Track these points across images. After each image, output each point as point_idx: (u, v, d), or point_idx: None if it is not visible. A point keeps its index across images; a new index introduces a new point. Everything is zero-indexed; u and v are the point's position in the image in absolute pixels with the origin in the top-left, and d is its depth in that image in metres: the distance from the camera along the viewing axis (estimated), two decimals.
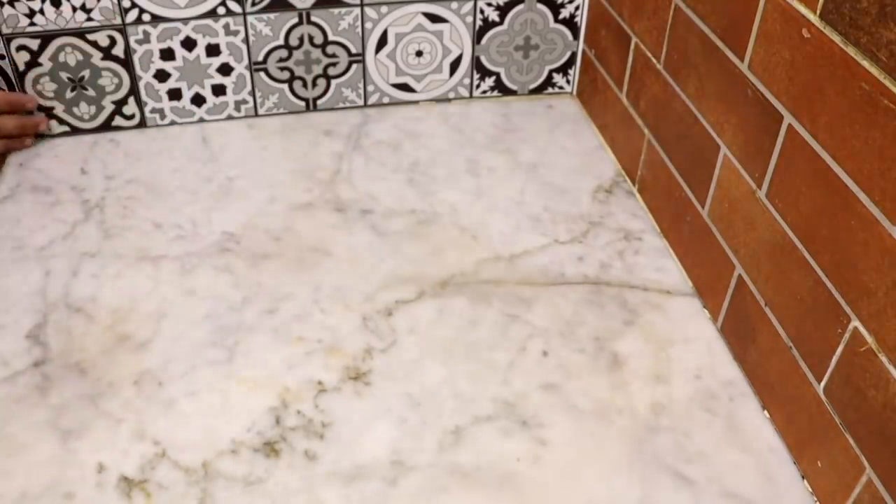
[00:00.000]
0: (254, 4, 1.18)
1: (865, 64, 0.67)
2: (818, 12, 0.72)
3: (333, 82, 1.27)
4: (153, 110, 1.25)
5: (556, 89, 1.36)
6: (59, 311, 0.96)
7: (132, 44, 1.18)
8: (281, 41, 1.22)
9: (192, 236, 1.06)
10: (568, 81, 1.35)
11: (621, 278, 1.02)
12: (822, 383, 0.76)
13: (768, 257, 0.84)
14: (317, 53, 1.24)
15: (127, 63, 1.20)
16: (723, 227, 0.93)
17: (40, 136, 1.23)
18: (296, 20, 1.20)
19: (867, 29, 0.66)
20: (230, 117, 1.28)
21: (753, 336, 0.88)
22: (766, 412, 0.87)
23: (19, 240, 1.05)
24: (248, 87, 1.25)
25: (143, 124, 1.26)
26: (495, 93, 1.34)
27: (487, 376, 0.89)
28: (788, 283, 0.80)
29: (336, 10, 1.20)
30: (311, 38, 1.22)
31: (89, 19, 1.15)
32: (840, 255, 0.72)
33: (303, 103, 1.29)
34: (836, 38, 0.70)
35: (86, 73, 1.19)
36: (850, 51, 0.68)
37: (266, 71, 1.24)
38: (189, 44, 1.20)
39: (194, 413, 0.85)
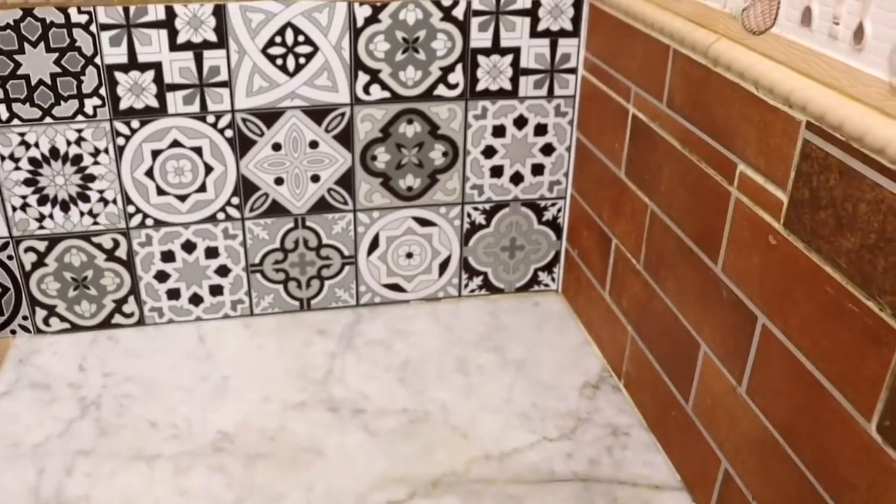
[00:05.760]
0: (252, 210, 1.24)
1: (828, 269, 0.71)
2: (782, 221, 0.77)
3: (327, 283, 1.32)
4: (152, 309, 1.29)
5: (542, 287, 1.41)
6: None
7: (135, 246, 1.23)
8: (277, 244, 1.27)
9: (186, 435, 1.07)
10: (553, 279, 1.41)
11: (610, 474, 1.03)
12: None
13: (752, 453, 0.86)
14: (311, 256, 1.29)
15: (129, 264, 1.25)
16: (707, 422, 0.95)
17: (40, 332, 1.26)
18: (291, 224, 1.27)
19: (827, 238, 0.71)
20: (226, 316, 1.32)
21: None
22: None
23: (15, 437, 1.06)
24: (245, 288, 1.30)
25: (141, 322, 1.29)
26: (483, 291, 1.39)
27: None
28: (774, 479, 0.82)
29: (330, 216, 1.27)
30: (305, 242, 1.28)
31: (95, 223, 1.21)
32: (821, 451, 0.74)
33: (297, 303, 1.33)
34: (800, 245, 0.75)
35: (89, 273, 1.24)
36: (814, 257, 0.73)
37: (262, 272, 1.29)
38: (189, 246, 1.25)
39: None
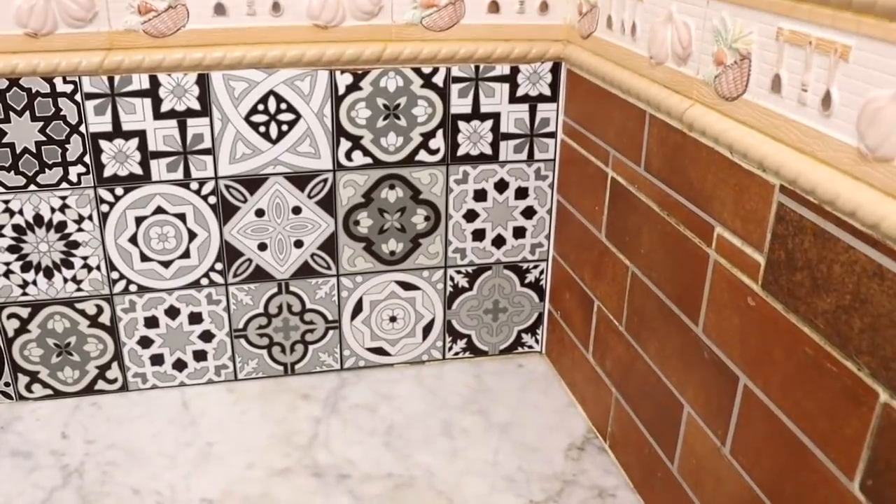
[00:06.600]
0: (235, 275, 1.25)
1: (806, 330, 0.72)
2: (760, 283, 0.79)
3: (311, 347, 1.32)
4: (135, 375, 1.28)
5: (526, 349, 1.41)
6: None
7: (118, 312, 1.23)
8: (261, 309, 1.28)
9: (170, 503, 1.06)
10: (537, 341, 1.41)
11: None
12: None
13: None
14: (295, 321, 1.30)
15: (112, 330, 1.24)
16: (692, 482, 0.95)
17: (22, 399, 1.25)
18: (275, 289, 1.27)
19: (804, 299, 0.72)
20: (210, 381, 1.31)
21: None
22: None
23: None
24: (229, 353, 1.30)
25: (125, 388, 1.29)
26: (467, 354, 1.39)
27: None
28: None
29: (313, 280, 1.27)
30: (289, 307, 1.28)
31: (79, 289, 1.21)
32: None
33: (281, 368, 1.33)
34: (779, 307, 0.76)
35: (72, 340, 1.24)
36: (792, 318, 0.74)
37: (246, 337, 1.29)
38: (173, 312, 1.25)
39: None
